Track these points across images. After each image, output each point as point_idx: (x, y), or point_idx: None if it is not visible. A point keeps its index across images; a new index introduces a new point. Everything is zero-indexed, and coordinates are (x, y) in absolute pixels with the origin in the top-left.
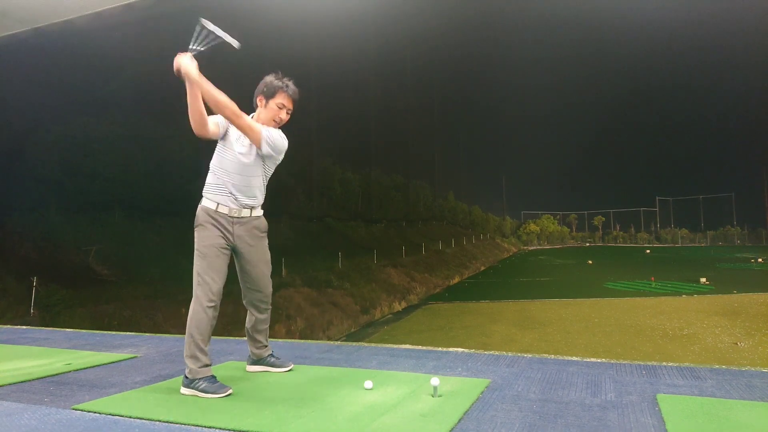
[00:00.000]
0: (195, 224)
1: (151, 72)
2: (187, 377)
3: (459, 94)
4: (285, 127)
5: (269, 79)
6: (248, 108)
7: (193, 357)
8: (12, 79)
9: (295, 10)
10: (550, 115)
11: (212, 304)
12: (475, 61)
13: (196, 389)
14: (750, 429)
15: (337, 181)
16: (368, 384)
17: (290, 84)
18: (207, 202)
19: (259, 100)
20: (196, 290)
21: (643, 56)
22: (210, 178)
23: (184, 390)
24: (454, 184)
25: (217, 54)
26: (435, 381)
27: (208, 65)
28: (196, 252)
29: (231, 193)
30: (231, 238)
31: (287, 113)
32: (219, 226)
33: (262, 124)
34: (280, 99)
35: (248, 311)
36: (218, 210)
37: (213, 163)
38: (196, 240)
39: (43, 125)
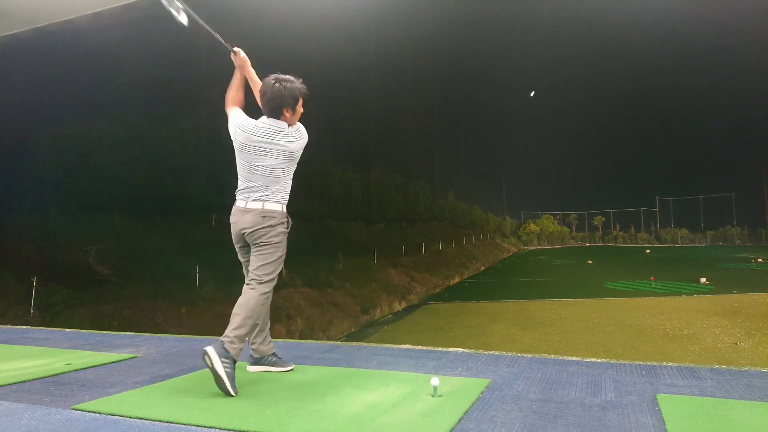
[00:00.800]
0: (283, 228)
1: (151, 72)
2: (224, 348)
3: (459, 94)
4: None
5: (288, 88)
6: (251, 112)
7: (241, 338)
8: (12, 79)
9: (295, 10)
10: (550, 115)
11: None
12: (475, 61)
13: (222, 358)
14: (750, 429)
15: (337, 181)
16: (435, 381)
17: (301, 84)
18: (283, 207)
19: (286, 112)
20: (267, 286)
21: (643, 56)
22: (279, 187)
23: (209, 350)
24: (454, 184)
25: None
26: (435, 381)
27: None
28: (279, 254)
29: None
30: None
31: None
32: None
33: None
34: (301, 102)
35: None
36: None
37: (283, 184)
38: (280, 242)
39: (43, 125)
